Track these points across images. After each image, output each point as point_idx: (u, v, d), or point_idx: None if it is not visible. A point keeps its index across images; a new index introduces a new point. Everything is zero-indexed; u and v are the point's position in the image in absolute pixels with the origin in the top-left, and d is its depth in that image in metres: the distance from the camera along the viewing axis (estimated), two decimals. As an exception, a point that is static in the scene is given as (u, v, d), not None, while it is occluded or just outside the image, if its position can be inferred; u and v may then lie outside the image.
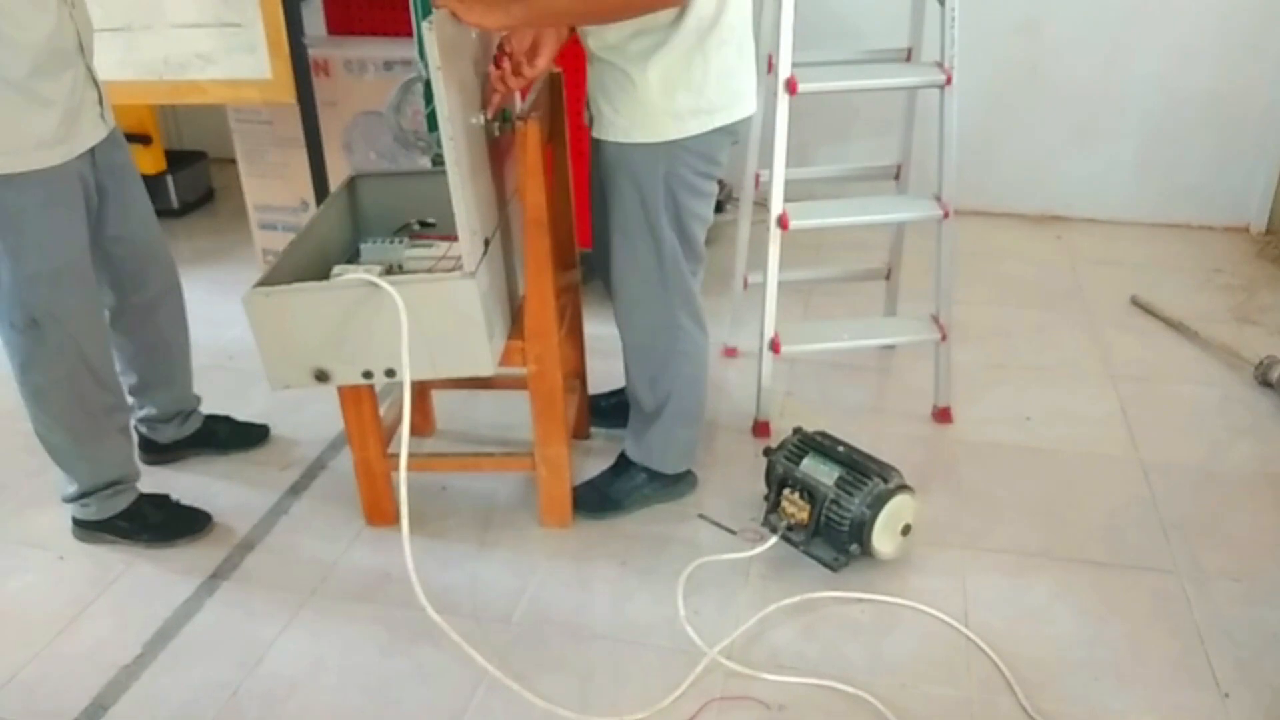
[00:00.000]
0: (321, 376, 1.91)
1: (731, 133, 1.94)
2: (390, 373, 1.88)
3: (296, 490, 2.39)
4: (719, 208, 3.74)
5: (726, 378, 2.82)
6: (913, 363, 2.78)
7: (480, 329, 1.84)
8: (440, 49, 1.60)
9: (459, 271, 1.80)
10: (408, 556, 1.76)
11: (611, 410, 2.47)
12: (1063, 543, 2.15)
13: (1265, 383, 2.70)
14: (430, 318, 1.82)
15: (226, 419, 2.55)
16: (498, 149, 2.00)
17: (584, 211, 2.18)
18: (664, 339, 2.07)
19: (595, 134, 1.95)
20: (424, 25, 1.60)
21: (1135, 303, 3.17)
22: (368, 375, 1.90)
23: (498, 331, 1.96)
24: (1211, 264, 3.45)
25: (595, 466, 2.33)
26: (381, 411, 2.16)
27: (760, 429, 2.54)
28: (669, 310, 2.04)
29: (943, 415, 2.59)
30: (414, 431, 2.54)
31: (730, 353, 2.92)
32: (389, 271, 2.00)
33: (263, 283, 1.88)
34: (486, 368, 1.89)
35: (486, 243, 1.89)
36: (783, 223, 2.35)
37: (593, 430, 2.55)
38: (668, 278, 2.00)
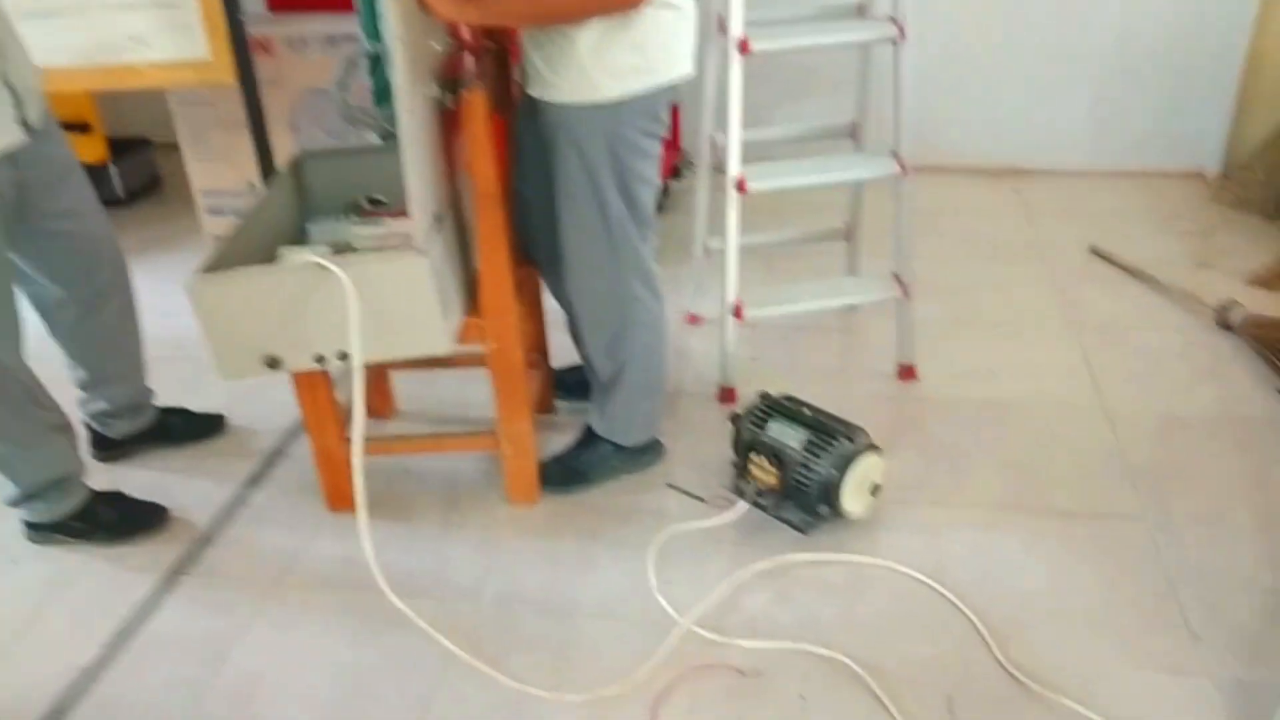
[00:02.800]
0: (272, 363, 1.86)
1: (674, 91, 1.89)
2: (343, 356, 1.83)
3: (256, 480, 2.34)
4: (677, 174, 3.72)
5: (690, 345, 2.79)
6: (876, 321, 2.76)
7: (433, 307, 1.79)
8: (400, 19, 1.54)
9: (408, 249, 1.75)
10: (365, 543, 1.72)
11: (575, 384, 2.43)
12: (1032, 494, 2.15)
13: (1225, 326, 2.72)
14: (381, 297, 1.77)
15: (181, 411, 2.49)
16: (448, 122, 1.94)
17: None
18: (617, 308, 2.04)
19: (531, 92, 1.89)
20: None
21: (1094, 252, 3.18)
22: (320, 360, 1.85)
23: (453, 309, 1.91)
24: (1169, 210, 3.46)
25: (561, 441, 2.30)
26: (340, 396, 2.11)
27: (726, 395, 2.52)
28: (620, 278, 2.00)
29: (907, 373, 2.58)
30: (374, 414, 2.50)
31: (693, 320, 2.89)
32: (338, 251, 1.95)
33: (206, 269, 1.82)
34: (442, 347, 1.84)
35: (438, 218, 1.84)
36: (740, 186, 2.32)
37: (557, 404, 2.51)
38: (617, 244, 1.96)
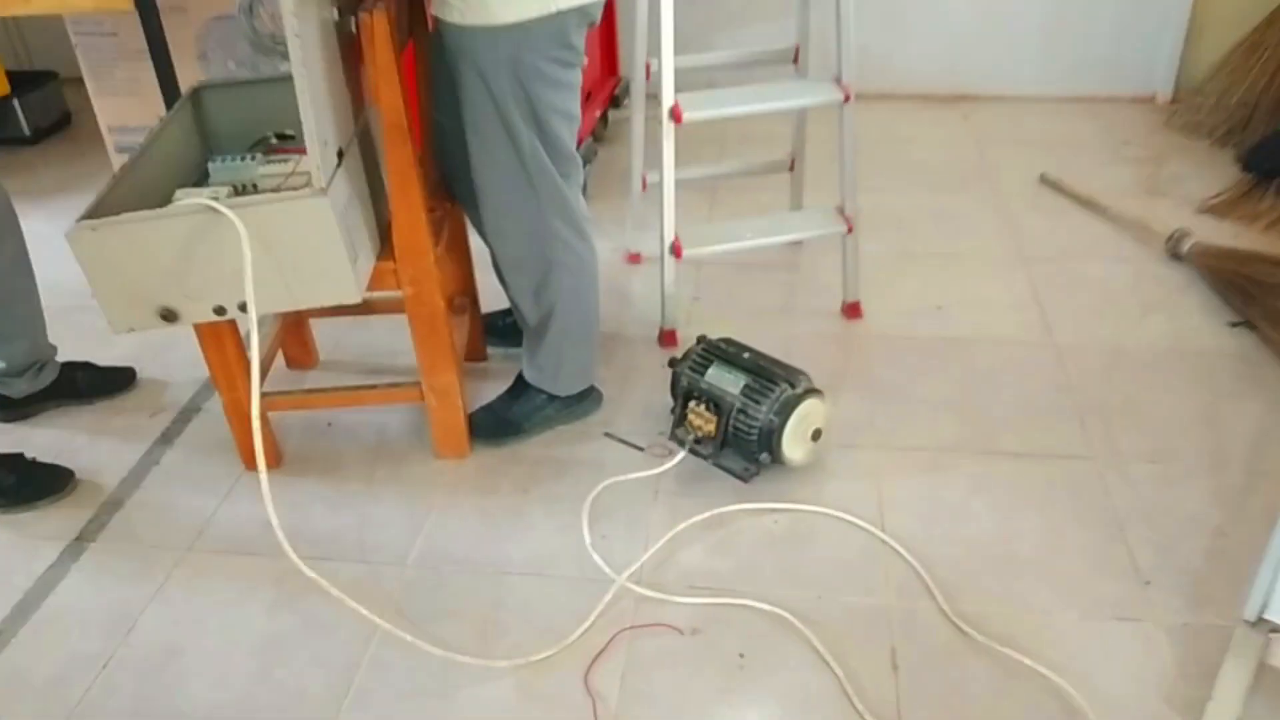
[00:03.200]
0: (168, 316, 1.72)
1: (585, 14, 1.75)
2: (245, 307, 1.69)
3: (168, 438, 2.20)
4: (616, 102, 3.56)
5: (630, 285, 2.68)
6: (821, 258, 2.67)
7: (339, 251, 1.65)
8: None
9: (308, 189, 1.61)
10: (268, 507, 1.59)
11: (507, 329, 2.31)
12: (978, 435, 2.09)
13: (1175, 256, 2.66)
14: (281, 242, 1.63)
15: (86, 365, 2.34)
16: (354, 49, 1.79)
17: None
18: (538, 248, 1.91)
19: (433, 12, 1.74)
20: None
21: (1044, 181, 3.10)
22: (220, 311, 1.72)
23: (363, 253, 1.78)
24: (1120, 136, 3.38)
25: (493, 389, 2.19)
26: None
27: (666, 338, 2.42)
28: (540, 216, 1.87)
29: (852, 310, 2.49)
30: (295, 364, 2.38)
31: (634, 259, 2.78)
32: (240, 192, 1.80)
33: (89, 214, 1.66)
34: (351, 294, 1.71)
35: (340, 154, 1.70)
36: (675, 115, 2.19)
37: (489, 350, 2.39)
38: (534, 181, 1.83)
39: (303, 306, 1.75)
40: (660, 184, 2.28)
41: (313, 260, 1.66)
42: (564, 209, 1.89)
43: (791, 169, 2.72)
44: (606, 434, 2.14)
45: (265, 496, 1.58)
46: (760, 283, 2.66)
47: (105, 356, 2.38)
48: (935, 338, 2.40)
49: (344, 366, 2.40)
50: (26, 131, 3.74)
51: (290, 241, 1.63)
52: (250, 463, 2.08)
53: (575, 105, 1.84)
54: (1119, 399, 2.18)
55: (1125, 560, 1.78)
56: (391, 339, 2.42)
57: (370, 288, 1.85)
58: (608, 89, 3.44)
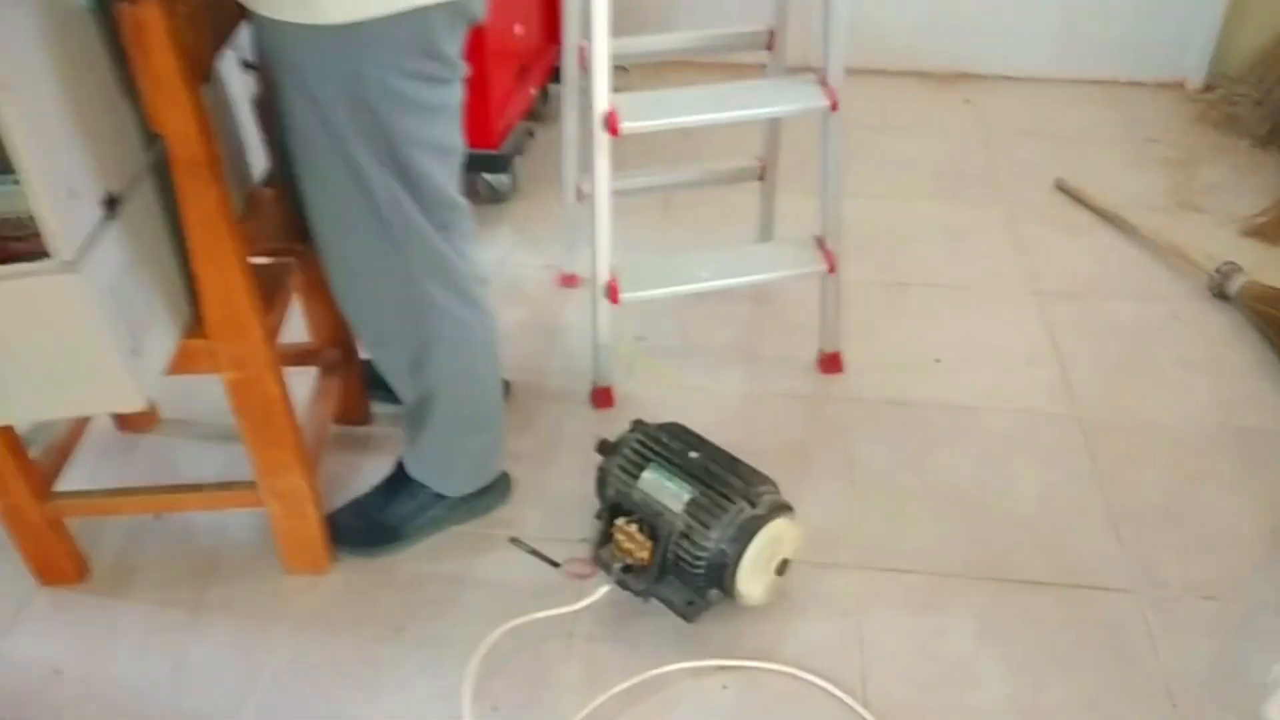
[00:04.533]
0: None
1: (462, 10, 1.24)
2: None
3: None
4: (559, 76, 3.01)
5: (561, 317, 2.18)
6: (794, 286, 2.17)
7: (105, 347, 1.15)
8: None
9: (49, 259, 1.10)
10: None
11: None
12: (988, 553, 1.64)
13: (1221, 295, 2.20)
14: (14, 335, 1.13)
15: None
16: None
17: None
18: (408, 321, 1.42)
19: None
20: None
21: (1061, 189, 2.61)
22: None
23: (158, 334, 1.27)
24: (1144, 131, 2.89)
25: (375, 466, 1.70)
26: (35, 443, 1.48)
27: (599, 397, 1.94)
28: (407, 281, 1.38)
29: (830, 363, 2.01)
30: (126, 426, 1.88)
31: (568, 281, 2.28)
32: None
33: None
34: (130, 399, 1.21)
35: (113, 203, 1.18)
36: (610, 125, 1.68)
37: (375, 408, 1.90)
38: (394, 235, 1.33)
39: (70, 415, 1.26)
40: (593, 208, 1.78)
41: (66, 358, 1.16)
42: (442, 269, 1.39)
43: (762, 178, 2.22)
44: (513, 540, 1.66)
45: None
46: (720, 318, 2.17)
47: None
48: (932, 403, 1.94)
49: (190, 428, 1.90)
50: None
51: (23, 334, 1.12)
52: (46, 575, 1.59)
53: (453, 133, 1.33)
54: (1159, 499, 1.73)
55: (1185, 764, 1.35)
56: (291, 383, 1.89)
57: (176, 370, 1.35)
58: (548, 60, 2.89)
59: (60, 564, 1.57)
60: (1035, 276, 2.29)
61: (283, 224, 1.49)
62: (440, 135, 1.30)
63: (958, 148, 2.82)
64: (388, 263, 1.34)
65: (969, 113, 2.99)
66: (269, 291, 1.42)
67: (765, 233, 2.28)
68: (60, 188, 1.08)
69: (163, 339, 1.28)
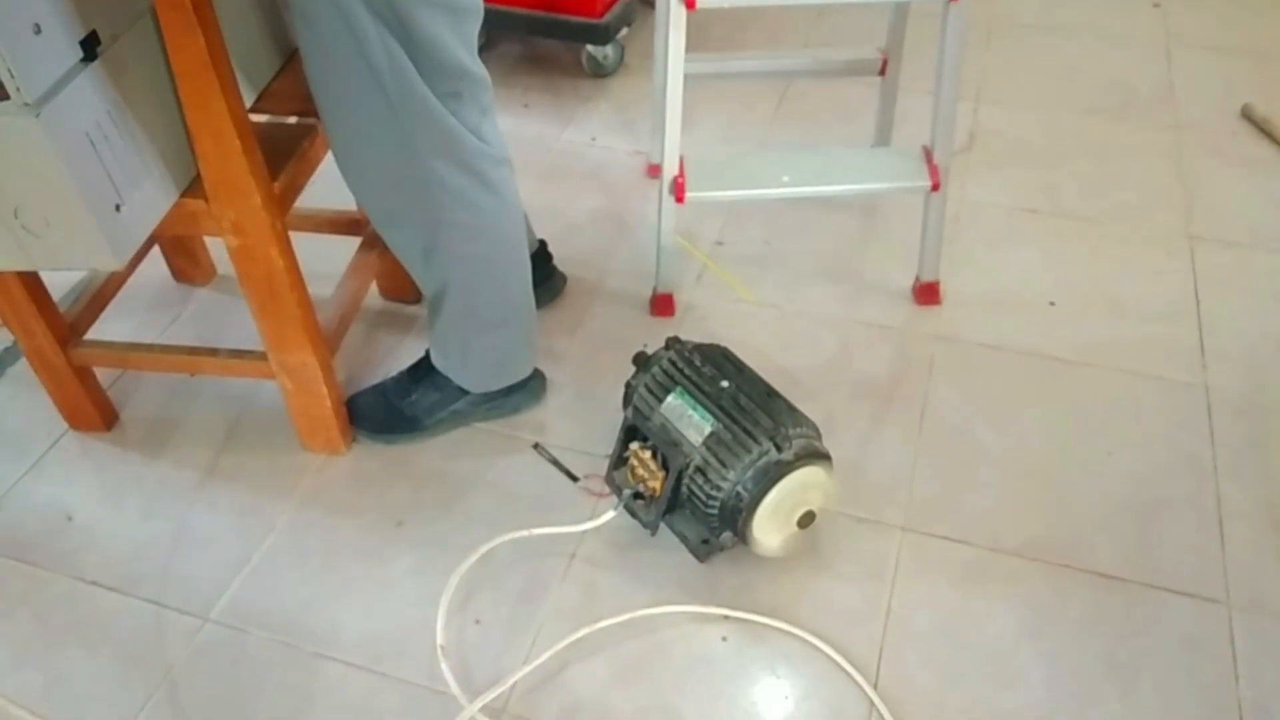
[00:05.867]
0: None
1: None
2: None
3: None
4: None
5: (641, 212, 2.02)
6: (908, 200, 1.93)
7: (71, 198, 1.08)
8: None
9: (7, 101, 1.01)
10: None
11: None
12: (1058, 534, 1.43)
13: None
14: (-19, 179, 1.07)
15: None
16: None
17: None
18: (415, 202, 1.29)
19: None
20: None
21: (1246, 116, 2.23)
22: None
23: (148, 190, 1.19)
24: (1373, 56, 2.43)
25: (418, 347, 1.60)
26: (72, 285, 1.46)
27: (659, 304, 1.78)
28: (412, 157, 1.24)
29: (926, 293, 1.79)
30: (183, 277, 1.86)
31: (655, 171, 2.10)
32: None
33: None
34: (105, 258, 1.14)
35: (95, 43, 1.09)
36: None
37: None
38: (395, 103, 1.19)
39: (50, 268, 1.20)
40: (664, 93, 1.59)
41: (35, 208, 1.09)
42: (450, 145, 1.24)
43: (883, 73, 1.96)
44: (535, 446, 1.56)
45: None
46: (814, 228, 1.96)
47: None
48: (1034, 352, 1.70)
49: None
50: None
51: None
52: (74, 420, 1.59)
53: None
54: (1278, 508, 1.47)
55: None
56: (331, 251, 1.81)
57: (178, 230, 1.28)
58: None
59: (87, 411, 1.56)
60: (1192, 217, 1.96)
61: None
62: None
63: (1133, 59, 2.44)
64: (389, 135, 1.21)
65: (1156, 20, 2.58)
66: (284, 153, 1.32)
67: (882, 136, 2.03)
68: (20, 22, 0.98)
69: (155, 196, 1.20)
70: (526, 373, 1.56)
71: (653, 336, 1.67)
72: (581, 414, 1.60)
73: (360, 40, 1.12)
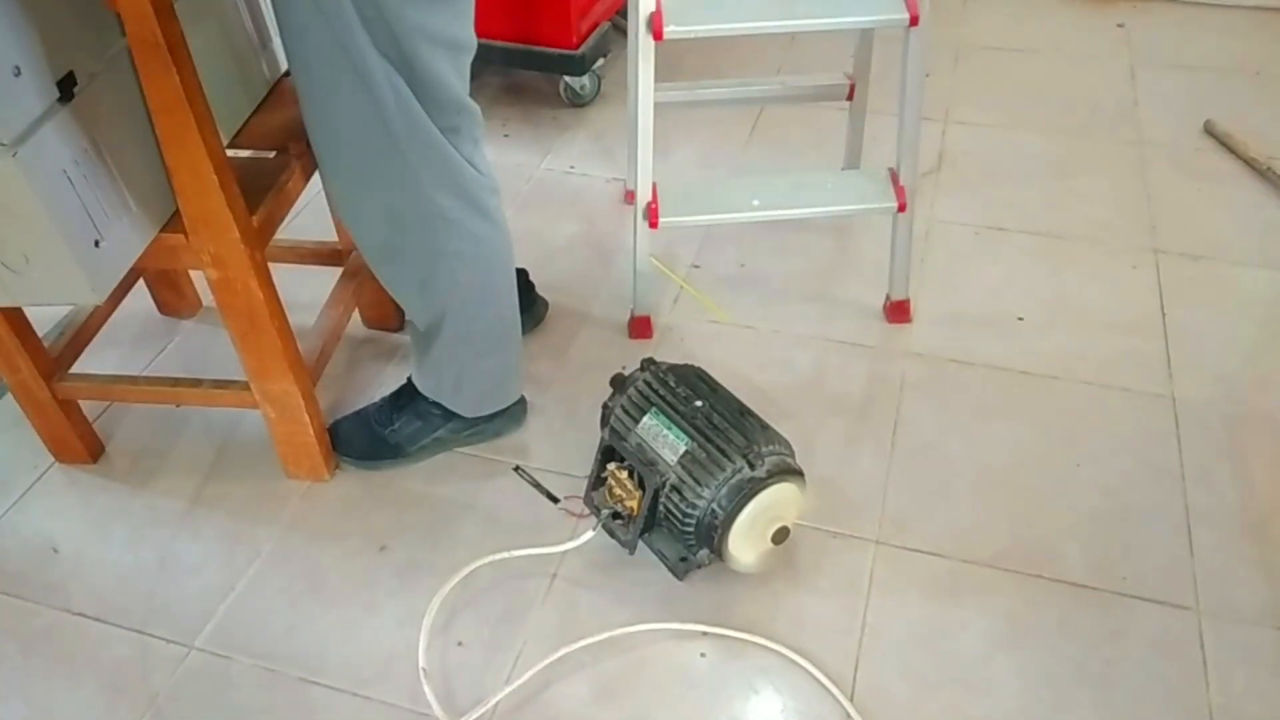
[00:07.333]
0: None
1: None
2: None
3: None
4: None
5: (619, 237, 2.05)
6: (878, 222, 1.97)
7: (49, 234, 1.10)
8: None
9: (-15, 141, 1.05)
10: None
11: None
12: (1029, 544, 1.46)
13: (1380, 273, 1.88)
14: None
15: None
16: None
17: None
18: (416, 234, 1.33)
19: None
20: None
21: (1209, 132, 2.28)
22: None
23: (125, 227, 1.22)
24: (1331, 71, 2.50)
25: (402, 374, 1.63)
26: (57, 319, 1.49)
27: (637, 327, 1.82)
28: (414, 190, 1.28)
29: (897, 311, 1.82)
30: (168, 310, 1.88)
31: (632, 197, 2.13)
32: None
33: None
34: (85, 295, 1.17)
35: (70, 83, 1.12)
36: (654, 28, 1.52)
37: (408, 316, 1.83)
38: (398, 138, 1.22)
39: (27, 304, 1.23)
40: (635, 119, 1.63)
41: (13, 245, 1.12)
42: (451, 177, 1.28)
43: (851, 98, 2.00)
44: (517, 469, 1.58)
45: None
46: (788, 250, 2.00)
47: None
48: (1003, 367, 1.73)
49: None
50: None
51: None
52: (60, 452, 1.61)
53: (463, 26, 1.21)
54: (1250, 507, 1.50)
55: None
56: (314, 281, 1.83)
57: (160, 264, 1.31)
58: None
59: (72, 443, 1.58)
60: (1156, 231, 2.01)
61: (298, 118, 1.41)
62: (449, 27, 1.18)
63: (1096, 77, 2.50)
64: (392, 170, 1.24)
65: (1119, 39, 2.65)
66: (262, 187, 1.35)
67: (852, 159, 2.07)
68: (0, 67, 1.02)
69: (134, 232, 1.23)
70: (516, 396, 1.59)
71: (631, 358, 1.70)
72: (562, 436, 1.63)
73: (366, 79, 1.15)
